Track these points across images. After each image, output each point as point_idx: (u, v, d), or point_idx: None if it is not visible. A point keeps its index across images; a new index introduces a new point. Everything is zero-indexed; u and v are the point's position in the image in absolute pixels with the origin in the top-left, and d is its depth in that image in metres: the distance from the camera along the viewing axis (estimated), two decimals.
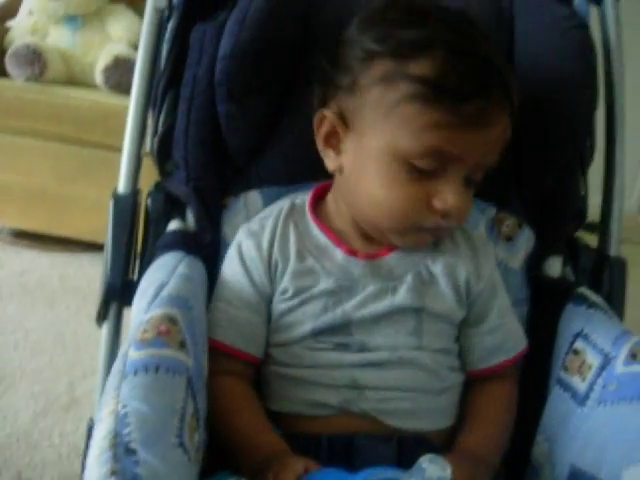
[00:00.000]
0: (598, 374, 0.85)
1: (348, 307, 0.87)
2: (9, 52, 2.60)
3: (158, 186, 1.01)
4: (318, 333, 0.87)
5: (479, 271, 0.92)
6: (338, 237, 0.91)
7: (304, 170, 1.00)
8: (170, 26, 1.01)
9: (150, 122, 1.03)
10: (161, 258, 0.91)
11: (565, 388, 0.90)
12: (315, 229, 0.92)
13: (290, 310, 0.89)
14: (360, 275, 0.89)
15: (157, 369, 0.66)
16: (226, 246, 0.97)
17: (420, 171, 0.80)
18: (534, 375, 0.96)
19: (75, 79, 2.70)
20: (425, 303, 0.88)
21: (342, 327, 0.87)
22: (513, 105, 0.82)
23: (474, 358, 0.93)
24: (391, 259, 0.90)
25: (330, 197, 0.95)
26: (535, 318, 1.01)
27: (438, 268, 0.90)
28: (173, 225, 0.98)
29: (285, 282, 0.89)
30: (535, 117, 0.97)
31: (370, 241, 0.91)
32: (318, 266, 0.89)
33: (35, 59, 2.58)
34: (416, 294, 0.88)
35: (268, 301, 0.90)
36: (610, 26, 1.07)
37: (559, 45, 0.98)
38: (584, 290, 0.97)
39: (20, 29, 2.77)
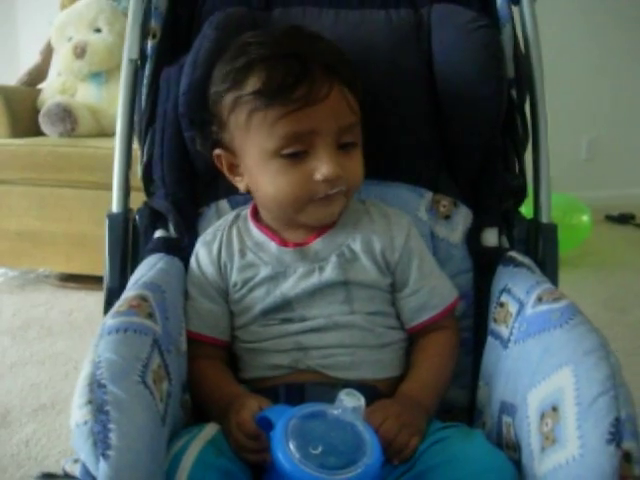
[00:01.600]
0: (515, 319, 0.98)
1: (284, 288, 1.03)
2: (42, 112, 2.85)
3: (145, 204, 1.21)
4: (266, 313, 1.04)
5: (393, 242, 1.05)
6: (272, 233, 1.07)
7: None
8: (146, 72, 1.21)
9: (138, 153, 1.22)
10: (146, 259, 1.09)
11: (495, 337, 1.03)
12: (254, 229, 1.08)
13: (242, 298, 1.06)
14: (291, 261, 1.04)
15: (126, 330, 0.84)
16: None
17: (291, 157, 0.95)
18: (482, 332, 1.10)
19: (105, 131, 2.92)
20: (350, 276, 1.02)
21: (284, 305, 1.03)
22: (341, 75, 0.97)
23: (404, 318, 1.07)
24: (316, 244, 1.04)
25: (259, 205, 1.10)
26: (479, 283, 1.15)
27: (358, 246, 1.04)
28: (157, 234, 1.17)
29: (234, 277, 1.06)
30: (454, 110, 1.14)
31: (298, 231, 1.06)
32: (257, 259, 1.05)
33: (66, 116, 2.80)
34: (341, 270, 1.02)
35: (225, 293, 1.07)
36: (528, 21, 1.22)
37: (466, 44, 1.13)
38: (513, 253, 1.10)
39: (50, 90, 3.03)
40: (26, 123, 2.97)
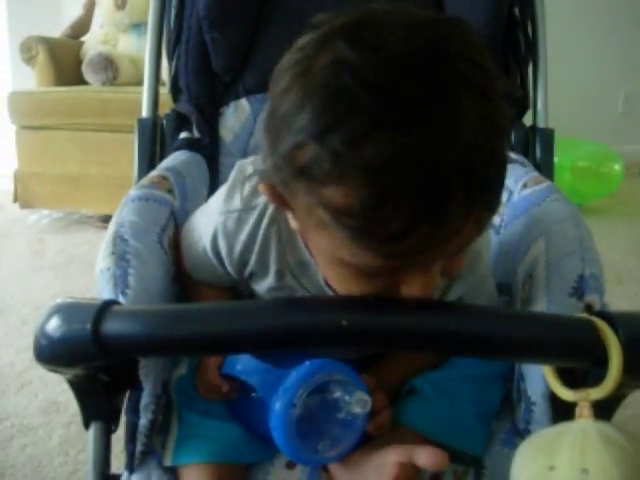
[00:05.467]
0: (505, 207, 1.04)
1: None
2: (85, 61, 3.00)
3: (172, 110, 1.32)
4: None
5: (452, 289, 0.84)
6: None
7: None
8: None
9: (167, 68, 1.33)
10: (170, 155, 1.20)
11: (490, 226, 1.05)
12: (301, 243, 0.78)
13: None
14: None
15: (147, 199, 0.94)
16: (224, 145, 1.29)
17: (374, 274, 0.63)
18: None
19: None
20: None
21: None
22: (483, 203, 0.58)
23: None
24: None
25: None
26: None
27: None
28: (182, 135, 1.29)
29: (260, 287, 0.85)
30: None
31: None
32: (296, 284, 0.82)
33: (108, 65, 2.95)
34: None
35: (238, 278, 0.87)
36: None
37: None
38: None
39: (93, 41, 3.17)
40: (70, 73, 3.12)
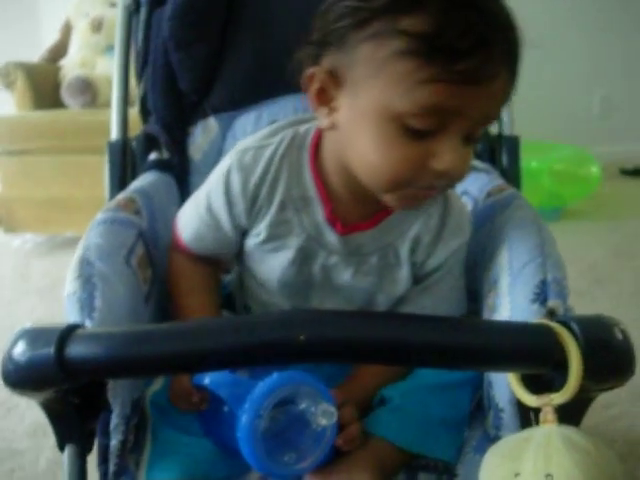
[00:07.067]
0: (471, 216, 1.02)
1: (314, 268, 0.92)
2: (63, 85, 3.00)
3: (141, 131, 1.33)
4: (283, 286, 0.94)
5: (436, 252, 0.93)
6: (327, 193, 0.89)
7: (246, 95, 1.29)
8: (141, 18, 1.34)
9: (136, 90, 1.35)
10: (140, 176, 1.21)
11: None
12: (308, 178, 0.89)
13: (262, 253, 0.94)
14: (330, 242, 0.90)
15: (113, 222, 0.93)
16: (193, 163, 1.30)
17: (416, 132, 0.73)
18: None
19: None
20: (381, 287, 0.94)
21: (304, 288, 0.94)
22: (516, 60, 0.75)
23: None
24: (365, 236, 0.90)
25: (327, 146, 0.89)
26: None
27: (405, 250, 0.92)
28: (152, 156, 1.31)
29: (261, 226, 0.91)
30: None
31: (359, 207, 0.90)
32: (295, 219, 0.90)
33: (86, 88, 2.95)
34: (375, 278, 0.92)
35: (242, 230, 0.94)
36: None
37: None
38: (473, 162, 1.17)
39: (71, 64, 3.17)
40: (49, 97, 3.13)
